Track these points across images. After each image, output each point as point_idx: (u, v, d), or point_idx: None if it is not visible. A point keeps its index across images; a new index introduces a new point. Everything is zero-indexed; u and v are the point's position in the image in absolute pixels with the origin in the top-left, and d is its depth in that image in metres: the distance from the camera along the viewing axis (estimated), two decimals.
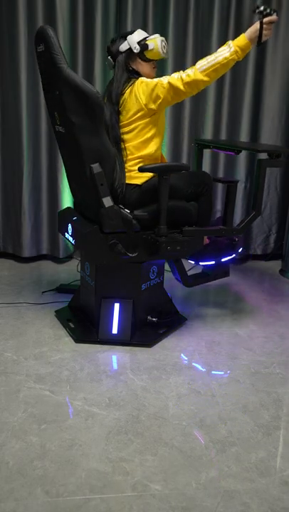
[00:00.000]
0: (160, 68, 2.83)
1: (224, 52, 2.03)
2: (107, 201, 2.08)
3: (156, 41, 2.14)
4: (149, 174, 2.17)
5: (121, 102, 2.14)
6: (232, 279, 3.25)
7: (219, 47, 2.89)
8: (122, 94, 2.14)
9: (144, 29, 3.12)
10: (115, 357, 2.17)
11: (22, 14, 2.95)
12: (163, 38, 2.16)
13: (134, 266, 2.25)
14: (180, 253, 2.24)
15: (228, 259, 2.52)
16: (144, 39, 2.15)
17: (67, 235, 2.31)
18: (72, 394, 1.87)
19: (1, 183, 3.29)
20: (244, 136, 3.32)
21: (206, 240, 2.41)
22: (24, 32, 2.97)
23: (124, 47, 2.17)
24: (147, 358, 2.16)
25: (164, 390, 1.92)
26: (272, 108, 3.35)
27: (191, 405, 1.84)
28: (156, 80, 2.09)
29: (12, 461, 1.52)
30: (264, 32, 2.03)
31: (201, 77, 2.04)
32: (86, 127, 2.00)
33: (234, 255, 2.53)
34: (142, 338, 2.28)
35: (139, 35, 2.16)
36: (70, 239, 2.27)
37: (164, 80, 2.07)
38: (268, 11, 2.03)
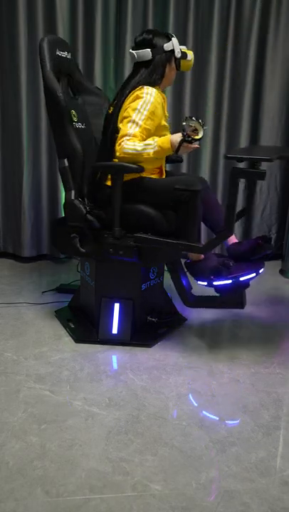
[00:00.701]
0: None
1: (149, 149, 2.02)
2: (70, 195, 2.16)
3: (192, 54, 2.21)
4: (132, 175, 2.11)
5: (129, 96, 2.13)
6: None
7: (219, 47, 2.91)
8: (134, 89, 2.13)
9: (144, 29, 3.12)
10: (115, 357, 2.17)
11: (22, 14, 2.95)
12: None
13: (134, 266, 2.25)
14: (126, 259, 2.12)
15: (248, 279, 2.18)
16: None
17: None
18: (72, 394, 1.87)
19: (1, 183, 3.29)
20: (244, 136, 3.32)
21: (200, 256, 2.20)
22: (24, 32, 2.97)
23: (168, 46, 2.15)
24: (147, 358, 2.16)
25: (164, 390, 1.92)
26: (272, 108, 3.35)
27: (191, 405, 1.83)
28: (130, 126, 2.05)
29: (12, 461, 1.52)
30: (181, 148, 2.00)
31: (122, 155, 2.04)
32: (54, 125, 2.21)
33: (254, 274, 2.17)
34: (142, 338, 2.28)
35: (177, 41, 2.19)
36: None
37: (125, 137, 2.04)
38: (190, 138, 1.97)
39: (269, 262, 3.56)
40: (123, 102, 2.14)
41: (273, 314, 2.69)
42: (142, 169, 2.05)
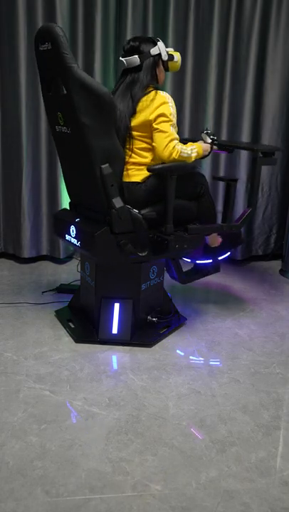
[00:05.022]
0: None
1: (194, 154, 2.22)
2: (118, 202, 2.08)
3: (179, 55, 2.29)
4: (147, 172, 2.19)
5: (140, 103, 2.16)
6: (232, 279, 3.25)
7: (219, 47, 2.92)
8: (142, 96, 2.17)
9: (144, 29, 3.12)
10: (115, 357, 2.17)
11: (22, 14, 2.95)
12: None
13: (134, 266, 2.25)
14: (186, 251, 2.29)
15: (225, 257, 2.64)
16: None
17: (68, 237, 2.28)
18: (72, 394, 1.87)
19: (1, 183, 3.29)
20: (245, 136, 3.32)
21: (218, 240, 2.57)
22: (24, 32, 2.97)
23: (155, 51, 2.20)
24: (147, 358, 2.15)
25: (164, 390, 1.92)
26: (272, 108, 3.35)
27: (191, 405, 1.83)
28: (173, 131, 2.15)
29: (12, 461, 1.52)
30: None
31: (178, 157, 2.15)
32: (97, 128, 1.99)
33: (230, 253, 2.67)
34: (142, 338, 2.28)
35: (163, 44, 2.24)
36: (73, 241, 2.23)
37: (175, 141, 2.14)
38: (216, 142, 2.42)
39: (269, 262, 3.57)
40: (135, 105, 2.16)
41: (273, 314, 2.69)
42: (195, 167, 2.40)
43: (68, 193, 2.43)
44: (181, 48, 3.16)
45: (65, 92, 1.97)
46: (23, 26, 2.97)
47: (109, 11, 3.09)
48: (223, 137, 3.36)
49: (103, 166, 2.04)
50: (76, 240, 2.21)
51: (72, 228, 2.23)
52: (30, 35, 2.99)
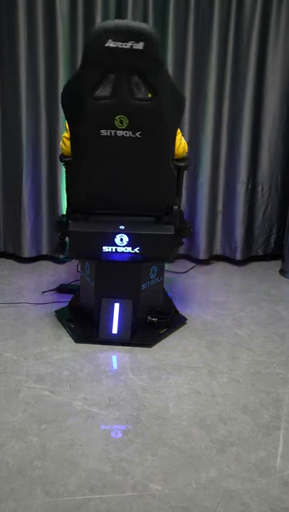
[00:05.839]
0: None
1: None
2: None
3: None
4: None
5: None
6: (232, 279, 3.25)
7: (219, 47, 2.93)
8: None
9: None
10: (115, 357, 2.17)
11: (22, 14, 2.94)
12: None
13: (134, 266, 2.25)
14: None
15: None
16: None
17: (108, 248, 2.15)
18: (72, 394, 1.87)
19: (1, 183, 3.29)
20: (245, 136, 3.32)
21: None
22: (24, 32, 2.97)
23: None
24: (147, 358, 2.15)
25: (164, 390, 1.92)
26: (272, 108, 3.34)
27: (191, 405, 1.83)
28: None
29: (12, 461, 1.52)
30: None
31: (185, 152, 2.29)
32: (175, 129, 2.04)
33: None
34: (142, 338, 2.28)
35: None
36: (122, 250, 2.16)
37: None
38: None
39: (269, 262, 3.57)
40: None
41: (273, 314, 2.69)
42: None
43: (85, 198, 2.22)
44: (181, 47, 3.15)
45: (141, 93, 1.94)
46: (23, 26, 2.97)
47: (109, 11, 3.08)
48: (224, 137, 3.36)
49: (182, 164, 2.18)
50: (131, 248, 2.15)
51: (121, 237, 2.15)
52: (31, 36, 2.99)
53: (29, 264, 3.33)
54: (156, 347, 2.26)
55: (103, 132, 2.00)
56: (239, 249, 3.47)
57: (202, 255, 3.45)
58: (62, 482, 1.44)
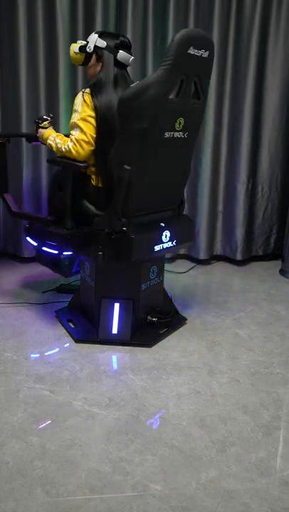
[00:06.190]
0: None
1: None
2: None
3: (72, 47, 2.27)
4: None
5: None
6: (232, 279, 3.25)
7: (219, 46, 2.95)
8: None
9: (144, 29, 3.12)
10: (115, 357, 2.17)
11: (22, 14, 2.95)
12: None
13: (134, 266, 2.25)
14: None
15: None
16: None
17: (159, 247, 2.18)
18: (72, 394, 1.87)
19: None
20: (245, 136, 3.32)
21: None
22: (24, 32, 2.97)
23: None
24: (147, 358, 2.15)
25: (164, 390, 1.92)
26: (272, 108, 3.35)
27: (191, 405, 1.83)
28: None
29: (12, 461, 1.52)
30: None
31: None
32: None
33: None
34: (142, 338, 2.28)
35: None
36: (167, 245, 2.22)
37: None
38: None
39: (269, 262, 3.57)
40: None
41: (273, 314, 2.69)
42: None
43: (139, 201, 2.15)
44: None
45: (194, 98, 2.09)
46: (23, 26, 2.97)
47: (109, 11, 3.08)
48: (224, 137, 3.36)
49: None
50: (171, 242, 2.25)
51: (166, 233, 2.21)
52: (31, 36, 3.00)
53: (29, 264, 3.33)
54: (156, 347, 2.26)
55: (166, 134, 2.04)
56: (239, 249, 3.47)
57: (202, 255, 3.46)
58: (62, 482, 1.44)
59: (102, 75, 2.14)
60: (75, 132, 2.10)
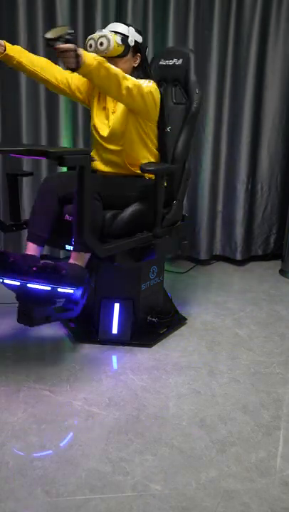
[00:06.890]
0: None
1: None
2: None
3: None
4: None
5: None
6: (232, 279, 3.25)
7: (219, 46, 2.94)
8: None
9: (144, 29, 3.12)
10: (115, 357, 2.17)
11: (22, 14, 2.94)
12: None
13: (133, 266, 2.25)
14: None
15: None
16: None
17: None
18: (72, 394, 1.87)
19: (1, 183, 3.28)
20: (245, 136, 3.32)
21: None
22: (24, 32, 2.97)
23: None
24: (147, 358, 2.15)
25: (164, 390, 1.92)
26: (272, 108, 3.35)
27: (191, 405, 1.83)
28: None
29: (12, 461, 1.52)
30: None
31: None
32: None
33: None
34: (142, 338, 2.28)
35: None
36: None
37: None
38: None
39: (269, 262, 3.57)
40: None
41: (273, 314, 2.69)
42: None
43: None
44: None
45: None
46: (23, 26, 2.96)
47: (109, 11, 3.08)
48: (224, 137, 3.36)
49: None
50: None
51: None
52: (31, 36, 2.99)
53: None
54: (156, 347, 2.26)
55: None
56: (239, 249, 3.47)
57: (202, 255, 3.45)
58: (62, 482, 1.44)
59: (147, 70, 2.26)
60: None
